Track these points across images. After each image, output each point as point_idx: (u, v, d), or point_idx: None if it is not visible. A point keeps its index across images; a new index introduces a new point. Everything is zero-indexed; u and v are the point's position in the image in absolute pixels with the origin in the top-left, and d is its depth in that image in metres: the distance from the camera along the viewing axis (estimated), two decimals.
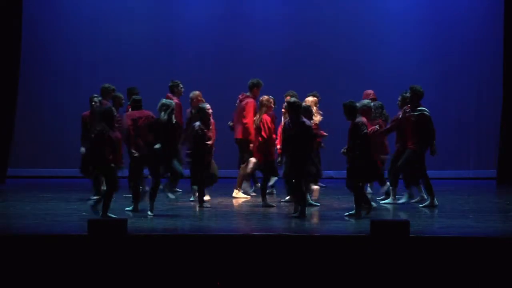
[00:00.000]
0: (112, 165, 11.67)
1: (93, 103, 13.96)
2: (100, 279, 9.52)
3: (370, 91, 14.61)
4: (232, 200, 14.12)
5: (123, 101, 14.22)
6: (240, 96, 14.86)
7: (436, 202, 13.17)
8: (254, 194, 14.69)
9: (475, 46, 18.44)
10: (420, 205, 13.39)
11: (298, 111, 12.38)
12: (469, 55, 18.46)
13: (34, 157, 17.70)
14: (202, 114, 13.31)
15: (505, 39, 17.65)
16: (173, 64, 18.08)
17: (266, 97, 14.03)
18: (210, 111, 13.42)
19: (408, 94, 13.58)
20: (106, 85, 14.50)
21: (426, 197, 13.51)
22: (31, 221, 11.77)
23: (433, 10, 18.52)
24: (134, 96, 13.42)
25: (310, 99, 14.10)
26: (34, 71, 17.95)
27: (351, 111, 12.29)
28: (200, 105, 13.60)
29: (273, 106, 14.03)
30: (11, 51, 17.01)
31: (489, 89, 18.24)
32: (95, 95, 14.12)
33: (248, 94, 14.80)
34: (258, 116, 13.92)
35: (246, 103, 14.67)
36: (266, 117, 13.80)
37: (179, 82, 15.09)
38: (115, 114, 12.17)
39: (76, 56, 18.25)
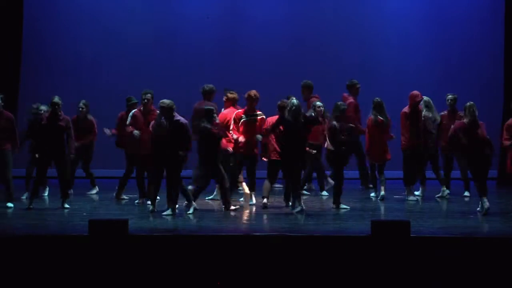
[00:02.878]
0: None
1: None
2: (101, 279, 9.53)
3: (417, 92, 14.29)
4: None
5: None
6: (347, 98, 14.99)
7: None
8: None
9: (475, 46, 18.43)
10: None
11: (172, 111, 12.48)
12: (469, 55, 18.45)
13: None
14: None
15: (505, 39, 17.64)
16: (173, 63, 18.07)
17: (378, 99, 14.20)
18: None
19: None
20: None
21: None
22: (31, 221, 11.77)
23: (434, 10, 18.52)
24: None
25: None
26: (34, 70, 17.94)
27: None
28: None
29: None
30: (12, 51, 17.00)
31: (489, 89, 18.22)
32: None
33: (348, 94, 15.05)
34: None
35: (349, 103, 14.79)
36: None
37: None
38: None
39: (76, 55, 18.24)
